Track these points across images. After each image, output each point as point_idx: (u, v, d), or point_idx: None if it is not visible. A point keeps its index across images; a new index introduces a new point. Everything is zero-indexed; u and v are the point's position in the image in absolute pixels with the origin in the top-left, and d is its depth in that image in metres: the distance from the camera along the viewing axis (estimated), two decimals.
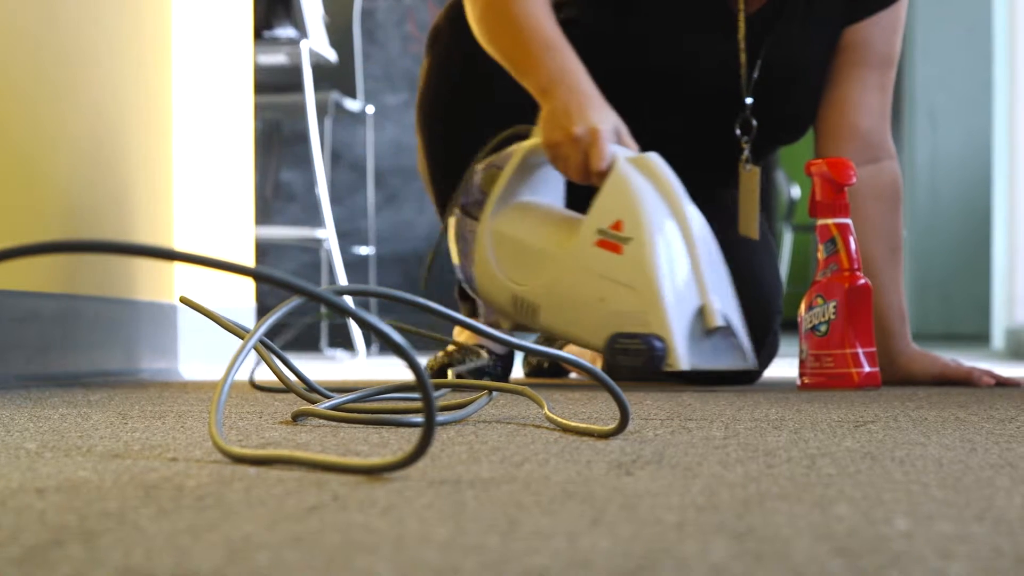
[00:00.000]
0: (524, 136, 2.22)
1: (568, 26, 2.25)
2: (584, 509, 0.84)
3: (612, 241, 2.09)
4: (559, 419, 1.39)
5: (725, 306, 2.10)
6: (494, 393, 1.59)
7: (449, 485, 0.95)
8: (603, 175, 2.12)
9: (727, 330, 2.09)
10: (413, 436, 1.31)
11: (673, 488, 0.94)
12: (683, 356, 2.05)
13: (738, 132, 2.36)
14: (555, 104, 2.14)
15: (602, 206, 2.11)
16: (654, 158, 2.13)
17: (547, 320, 2.17)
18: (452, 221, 2.25)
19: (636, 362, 2.04)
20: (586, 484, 0.96)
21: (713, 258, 2.12)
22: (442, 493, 0.91)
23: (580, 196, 2.23)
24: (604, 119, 2.13)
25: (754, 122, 2.35)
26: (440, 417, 1.42)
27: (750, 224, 2.37)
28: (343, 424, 1.44)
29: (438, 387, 1.63)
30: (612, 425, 1.31)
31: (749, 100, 2.35)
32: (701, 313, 2.08)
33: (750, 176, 2.37)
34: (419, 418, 1.39)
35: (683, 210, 2.10)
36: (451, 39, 2.36)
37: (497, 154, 2.23)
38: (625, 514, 0.82)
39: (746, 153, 2.37)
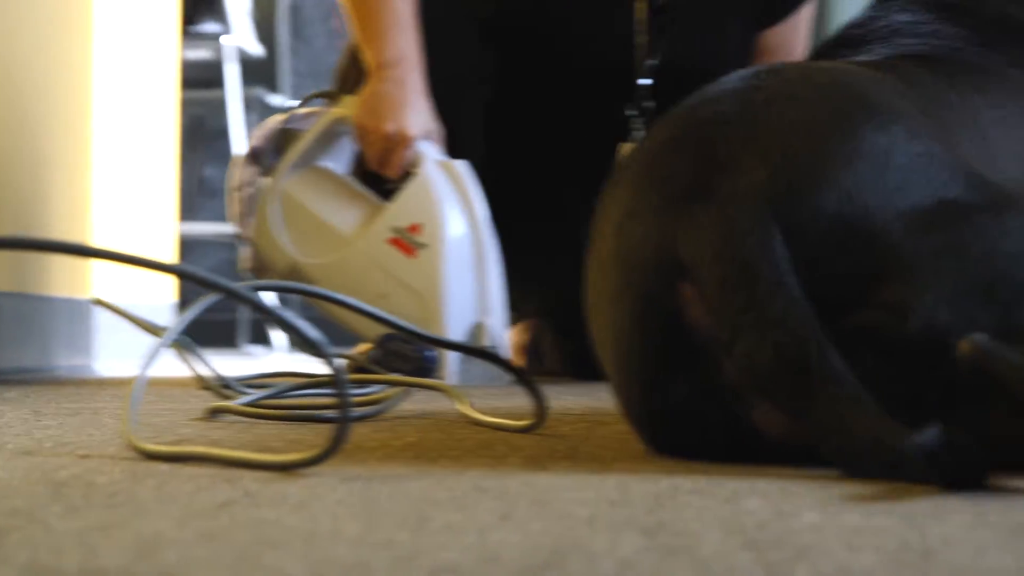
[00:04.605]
0: (330, 98, 2.24)
1: None
2: (496, 504, 0.84)
3: (407, 243, 2.12)
4: (476, 414, 1.39)
5: (496, 326, 2.14)
6: (411, 388, 1.58)
7: (362, 481, 0.95)
8: (398, 177, 2.14)
9: (495, 350, 2.12)
10: (329, 432, 1.31)
11: (586, 483, 0.94)
12: (452, 372, 2.10)
13: (634, 113, 2.35)
14: (380, 89, 2.16)
15: (403, 205, 2.14)
16: (461, 167, 2.16)
17: None
18: (240, 168, 2.23)
19: (405, 367, 2.06)
20: (499, 479, 0.96)
21: (496, 276, 2.16)
22: (355, 489, 0.91)
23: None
24: (418, 123, 2.15)
25: (652, 104, 2.34)
26: (356, 413, 1.42)
27: None
28: (258, 420, 1.43)
29: (355, 383, 1.63)
30: (528, 420, 1.31)
31: (644, 82, 2.33)
32: (476, 330, 2.11)
33: None
34: (334, 414, 1.38)
35: (480, 224, 2.14)
36: None
37: (296, 114, 2.23)
38: (537, 509, 0.82)
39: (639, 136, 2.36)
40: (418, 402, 1.68)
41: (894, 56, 1.32)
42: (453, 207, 2.13)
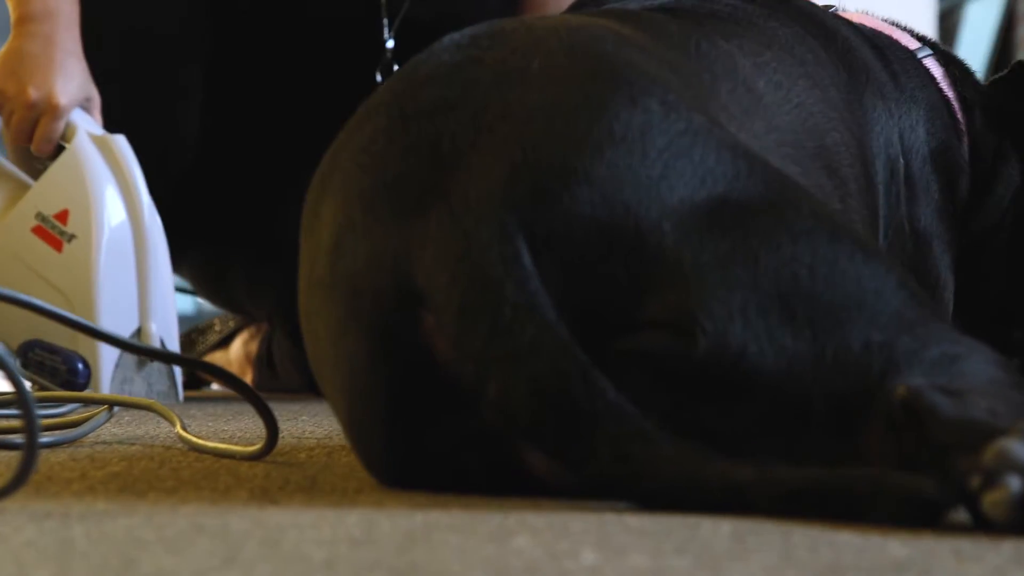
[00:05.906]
0: None
1: None
2: (217, 546, 0.78)
3: (52, 233, 1.93)
4: (195, 438, 1.30)
5: (163, 331, 1.98)
6: (115, 408, 1.47)
7: (56, 519, 0.88)
8: (48, 153, 1.96)
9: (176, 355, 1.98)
10: (15, 461, 1.19)
11: (325, 519, 0.87)
12: (106, 383, 1.92)
13: (379, 79, 2.24)
14: (22, 47, 1.98)
15: (49, 188, 1.94)
16: (121, 143, 1.97)
17: None
18: None
19: (52, 381, 1.89)
20: (222, 516, 0.90)
21: (162, 273, 1.99)
22: (46, 529, 0.85)
23: None
24: (70, 89, 1.97)
25: (395, 67, 2.23)
26: (47, 438, 1.32)
27: None
28: None
29: (44, 401, 1.48)
30: (258, 445, 1.22)
31: (391, 44, 2.22)
32: (137, 337, 1.96)
33: None
34: (20, 439, 1.27)
35: (142, 212, 1.95)
36: None
37: None
38: (266, 551, 0.76)
39: None
40: (125, 424, 1.59)
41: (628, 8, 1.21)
42: (109, 190, 1.93)
